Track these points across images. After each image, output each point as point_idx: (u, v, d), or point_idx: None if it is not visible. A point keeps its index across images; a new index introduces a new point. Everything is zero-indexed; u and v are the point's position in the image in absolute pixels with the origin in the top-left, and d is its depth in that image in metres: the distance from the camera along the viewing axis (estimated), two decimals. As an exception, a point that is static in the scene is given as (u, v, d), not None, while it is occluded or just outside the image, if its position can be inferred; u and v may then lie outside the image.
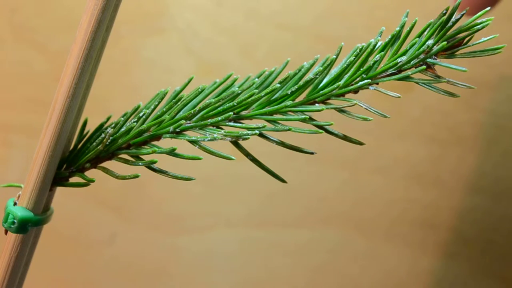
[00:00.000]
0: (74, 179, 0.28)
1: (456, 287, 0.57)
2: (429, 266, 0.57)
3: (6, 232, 0.28)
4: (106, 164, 0.28)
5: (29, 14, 0.57)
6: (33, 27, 0.57)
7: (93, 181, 0.27)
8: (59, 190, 0.29)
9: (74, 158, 0.28)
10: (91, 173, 0.28)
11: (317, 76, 0.28)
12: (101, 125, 0.29)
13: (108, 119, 0.30)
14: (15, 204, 0.28)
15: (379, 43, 0.28)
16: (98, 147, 0.27)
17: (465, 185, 0.56)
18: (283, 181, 0.28)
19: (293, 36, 0.56)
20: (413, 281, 0.57)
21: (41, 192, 0.27)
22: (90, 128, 0.30)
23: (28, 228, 0.27)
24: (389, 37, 0.28)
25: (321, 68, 0.28)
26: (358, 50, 0.28)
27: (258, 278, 0.59)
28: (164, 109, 0.28)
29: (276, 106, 0.27)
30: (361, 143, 0.28)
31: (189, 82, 0.30)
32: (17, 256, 0.28)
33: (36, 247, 0.30)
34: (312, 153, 0.27)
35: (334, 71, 0.28)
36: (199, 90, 0.29)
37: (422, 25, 0.27)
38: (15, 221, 0.27)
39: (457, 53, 0.27)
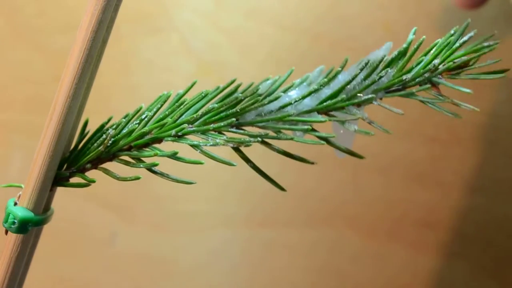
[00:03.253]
0: (74, 180, 0.28)
1: (456, 287, 0.57)
2: (429, 266, 0.57)
3: (6, 232, 0.28)
4: (106, 165, 0.28)
5: (29, 14, 0.57)
6: (33, 27, 0.57)
7: (93, 181, 0.27)
8: (60, 189, 0.29)
9: (74, 159, 0.28)
10: (91, 173, 0.28)
11: (321, 87, 0.28)
12: (102, 126, 0.29)
13: (109, 120, 0.30)
14: (15, 204, 0.28)
15: (385, 58, 0.28)
16: (99, 148, 0.27)
17: (465, 185, 0.56)
18: (282, 189, 0.28)
19: (293, 37, 0.56)
20: (413, 281, 0.57)
21: (42, 192, 0.27)
22: (90, 128, 0.30)
23: (28, 228, 0.27)
24: (396, 53, 0.28)
25: (325, 80, 0.28)
26: (363, 64, 0.28)
27: (258, 278, 0.59)
28: (167, 112, 0.28)
29: (279, 115, 0.27)
30: (361, 157, 0.28)
31: (192, 86, 0.30)
32: (17, 256, 0.28)
33: (36, 247, 0.30)
34: (312, 163, 0.27)
35: (338, 82, 0.28)
36: (202, 94, 0.29)
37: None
38: (16, 221, 0.27)
39: (462, 74, 0.27)
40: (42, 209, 0.28)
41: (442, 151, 0.55)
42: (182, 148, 0.27)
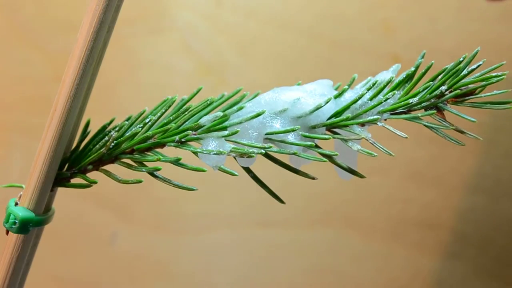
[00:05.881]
0: (75, 180, 0.28)
1: (455, 286, 0.57)
2: (428, 266, 0.57)
3: (7, 232, 0.28)
4: (108, 167, 0.28)
5: (29, 14, 0.57)
6: (33, 28, 0.57)
7: (95, 182, 0.27)
8: (60, 190, 0.29)
9: (76, 159, 0.28)
10: (92, 174, 0.28)
11: (327, 103, 0.28)
12: (104, 127, 0.29)
13: (111, 121, 0.30)
14: (16, 204, 0.28)
15: (392, 80, 0.28)
16: (101, 150, 0.27)
17: (465, 185, 0.56)
18: (281, 201, 0.28)
19: (293, 36, 0.56)
20: (412, 281, 0.57)
21: (43, 193, 0.27)
22: (91, 128, 0.30)
23: (29, 229, 0.27)
24: (403, 75, 0.29)
25: (332, 97, 0.28)
26: (371, 84, 0.28)
27: (257, 277, 0.59)
28: (171, 118, 0.28)
29: (283, 129, 0.27)
30: (362, 176, 0.28)
31: (197, 92, 0.30)
32: (18, 256, 0.28)
33: (37, 247, 0.30)
34: (314, 178, 0.28)
35: (344, 101, 0.28)
36: (208, 102, 0.28)
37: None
38: (17, 221, 0.27)
39: (467, 101, 0.27)
40: (43, 209, 0.28)
41: (442, 151, 0.56)
42: (183, 153, 0.27)
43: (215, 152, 0.26)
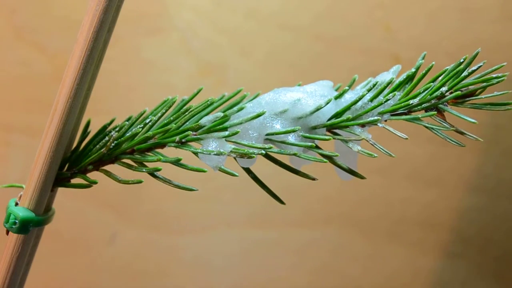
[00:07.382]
0: (75, 180, 0.28)
1: (456, 286, 0.57)
2: (429, 266, 0.57)
3: (7, 232, 0.28)
4: (108, 167, 0.28)
5: (29, 15, 0.57)
6: (33, 28, 0.57)
7: (95, 182, 0.27)
8: (60, 190, 0.29)
9: (76, 159, 0.28)
10: (92, 174, 0.28)
11: (328, 104, 0.28)
12: (104, 127, 0.29)
13: (112, 121, 0.30)
14: (16, 204, 0.28)
15: (393, 81, 0.29)
16: (102, 150, 0.27)
17: (465, 185, 0.56)
18: (281, 202, 0.28)
19: (293, 36, 0.56)
20: (413, 281, 0.57)
21: (43, 193, 0.27)
22: (90, 128, 0.30)
23: (29, 229, 0.27)
24: (404, 76, 0.29)
25: (332, 98, 0.28)
26: (371, 85, 0.28)
27: (258, 278, 0.59)
28: (171, 118, 0.28)
29: (284, 129, 0.27)
30: (362, 177, 0.28)
31: (198, 92, 0.30)
32: (18, 256, 0.28)
33: (37, 247, 0.30)
34: (314, 179, 0.28)
35: (344, 101, 0.28)
36: (208, 102, 0.29)
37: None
38: (17, 221, 0.27)
39: (467, 102, 0.27)
40: (43, 209, 0.28)
41: (442, 151, 0.56)
42: (184, 153, 0.27)
43: (215, 153, 0.26)
